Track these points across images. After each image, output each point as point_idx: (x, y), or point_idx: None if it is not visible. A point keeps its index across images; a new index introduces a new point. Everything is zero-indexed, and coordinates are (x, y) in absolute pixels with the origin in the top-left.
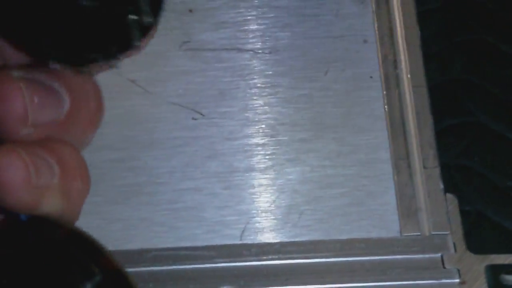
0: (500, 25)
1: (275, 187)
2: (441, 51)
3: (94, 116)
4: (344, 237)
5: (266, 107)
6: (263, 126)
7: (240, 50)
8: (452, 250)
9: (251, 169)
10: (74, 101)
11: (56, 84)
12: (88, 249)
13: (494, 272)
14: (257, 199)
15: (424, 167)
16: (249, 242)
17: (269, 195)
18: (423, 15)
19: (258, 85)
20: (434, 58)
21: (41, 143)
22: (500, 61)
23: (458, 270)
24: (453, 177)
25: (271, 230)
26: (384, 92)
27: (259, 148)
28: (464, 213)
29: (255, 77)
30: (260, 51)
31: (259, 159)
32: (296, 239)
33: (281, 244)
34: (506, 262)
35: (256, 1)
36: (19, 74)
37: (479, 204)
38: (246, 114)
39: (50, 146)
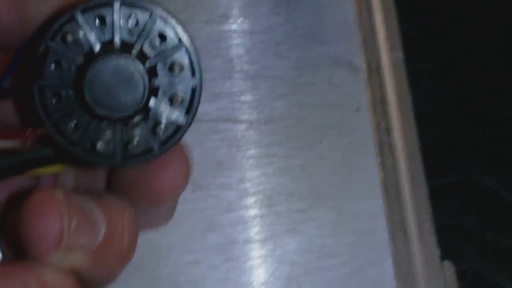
0: (491, 82)
1: (274, 258)
2: (434, 108)
3: (125, 252)
4: None
5: (263, 177)
6: (260, 196)
7: (236, 121)
8: None
9: (250, 240)
10: (109, 232)
11: (97, 211)
12: None
13: None
14: (257, 271)
15: (421, 234)
16: None
17: (268, 266)
18: (415, 74)
19: (255, 155)
20: (427, 115)
21: (90, 193)
22: (492, 117)
23: None
24: (449, 236)
25: None
26: (379, 160)
27: (258, 219)
28: (461, 273)
29: (252, 147)
30: (256, 121)
31: (258, 230)
32: None
33: None
34: None
35: (251, 71)
36: (62, 197)
37: (476, 264)
38: (244, 185)
39: (95, 194)
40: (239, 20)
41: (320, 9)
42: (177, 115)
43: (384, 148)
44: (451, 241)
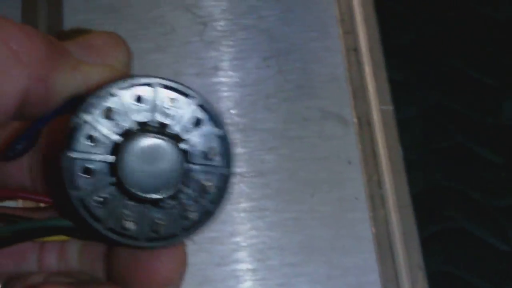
0: (478, 131)
1: None
2: (422, 158)
3: None
4: None
5: (254, 231)
6: (252, 250)
7: None
8: None
9: None
10: None
11: None
12: None
13: None
14: None
15: None
16: None
17: None
18: (403, 123)
19: (246, 209)
20: (416, 165)
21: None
22: (481, 167)
23: None
24: (439, 284)
25: None
26: (370, 214)
27: (250, 273)
28: None
29: (243, 200)
30: (246, 175)
31: (250, 285)
32: None
33: None
34: None
35: (241, 124)
36: None
37: None
38: (235, 239)
39: None
40: (229, 73)
41: (309, 62)
42: (206, 202)
43: (376, 201)
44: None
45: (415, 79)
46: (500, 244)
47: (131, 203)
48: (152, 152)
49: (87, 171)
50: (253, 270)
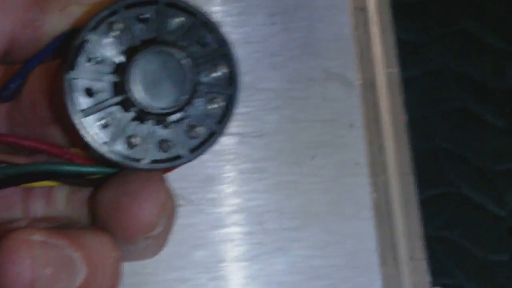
0: (483, 94)
1: (262, 278)
2: (425, 118)
3: None
4: None
5: (253, 193)
6: (250, 213)
7: (227, 133)
8: None
9: (238, 259)
10: (89, 276)
11: (77, 254)
12: None
13: None
14: None
15: (411, 258)
16: None
17: (256, 286)
18: (407, 82)
19: (246, 170)
20: (418, 124)
21: (66, 231)
22: (483, 131)
23: None
24: (434, 249)
25: None
26: (371, 180)
27: (247, 237)
28: (445, 287)
29: (243, 161)
30: (247, 135)
31: (247, 249)
32: None
33: None
34: None
35: (244, 83)
36: (39, 239)
37: (460, 278)
38: (234, 201)
39: (76, 235)
40: (234, 29)
41: (316, 20)
42: (211, 121)
43: (377, 167)
44: (435, 253)
45: (422, 39)
46: (498, 210)
47: (136, 122)
48: (158, 67)
49: (90, 91)
50: (250, 234)
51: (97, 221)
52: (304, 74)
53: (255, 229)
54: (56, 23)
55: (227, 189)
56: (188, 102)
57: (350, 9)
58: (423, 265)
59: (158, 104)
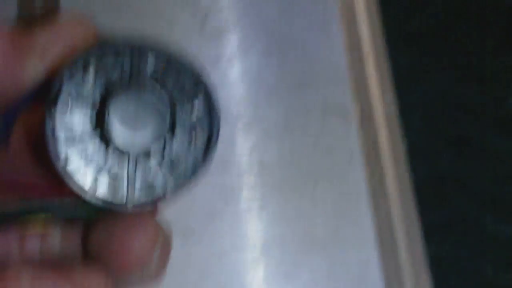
0: (485, 118)
1: None
2: (427, 146)
3: None
4: None
5: (255, 224)
6: (253, 244)
7: (228, 167)
8: None
9: (245, 287)
10: None
11: (67, 287)
12: None
13: None
14: None
15: (417, 284)
16: None
17: None
18: (408, 108)
19: (247, 201)
20: (420, 153)
21: (57, 266)
22: (487, 154)
23: None
24: (445, 271)
25: None
26: (372, 209)
27: (250, 266)
28: None
29: (244, 193)
30: (248, 168)
31: (251, 278)
32: None
33: None
34: None
35: (244, 117)
36: (29, 277)
37: None
38: (236, 231)
39: (67, 270)
40: (229, 68)
41: (311, 55)
42: (193, 158)
43: (378, 196)
44: (446, 276)
45: (420, 66)
46: (506, 229)
47: (119, 164)
48: (136, 109)
49: (70, 138)
50: (253, 263)
51: (90, 256)
52: (301, 108)
53: (258, 259)
54: (34, 70)
55: (229, 220)
56: (169, 140)
57: (345, 42)
58: None
59: (137, 145)
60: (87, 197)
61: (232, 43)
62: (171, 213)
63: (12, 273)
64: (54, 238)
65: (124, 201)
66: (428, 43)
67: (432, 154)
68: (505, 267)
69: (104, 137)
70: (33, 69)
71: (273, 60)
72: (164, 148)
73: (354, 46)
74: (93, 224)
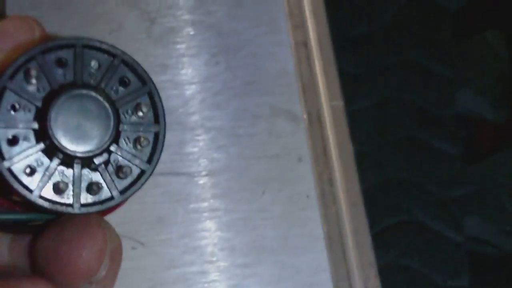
0: (432, 121)
1: None
2: (375, 150)
3: None
4: None
5: (205, 232)
6: (202, 252)
7: (176, 174)
8: None
9: None
10: None
11: None
12: None
13: None
14: None
15: (366, 287)
16: None
17: None
18: (355, 115)
19: (196, 209)
20: (369, 158)
21: (3, 280)
22: (434, 158)
23: None
24: (394, 277)
25: None
26: (322, 212)
27: (200, 275)
28: None
29: (193, 201)
30: (196, 174)
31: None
32: None
33: None
34: None
35: (190, 123)
36: None
37: None
38: (185, 241)
39: (13, 284)
40: (177, 71)
41: (259, 58)
42: (139, 161)
43: (327, 199)
44: (395, 282)
45: (366, 71)
46: (455, 235)
47: (63, 167)
48: (79, 111)
49: (13, 140)
50: (204, 273)
51: (37, 268)
52: (249, 111)
53: (208, 267)
54: None
55: (178, 229)
56: (113, 144)
57: (292, 45)
58: None
59: (81, 147)
60: (33, 198)
61: (179, 46)
62: (120, 222)
63: None
64: (1, 251)
65: (69, 202)
66: (374, 47)
67: (382, 158)
68: (454, 274)
69: (47, 141)
70: None
71: (219, 65)
72: (109, 150)
73: (301, 49)
74: (38, 236)
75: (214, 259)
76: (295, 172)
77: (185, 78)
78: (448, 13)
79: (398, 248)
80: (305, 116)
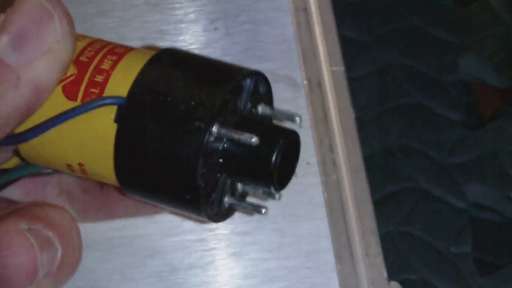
0: (434, 87)
1: (217, 284)
2: (377, 117)
3: (75, 264)
4: None
5: None
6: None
7: None
8: None
9: (192, 266)
10: (64, 251)
11: (51, 233)
12: None
13: None
14: None
15: (367, 255)
16: None
17: None
18: (356, 81)
19: None
20: (370, 124)
21: (38, 214)
22: (436, 124)
23: None
24: (396, 245)
25: None
26: (322, 179)
27: (199, 243)
28: (409, 282)
29: None
30: None
31: (200, 256)
32: None
33: None
34: None
35: None
36: (26, 226)
37: (423, 272)
38: None
39: (44, 214)
40: (175, 37)
41: (258, 23)
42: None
43: (328, 166)
44: (397, 249)
45: (369, 37)
46: (457, 202)
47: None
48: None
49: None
50: (203, 240)
51: None
52: None
53: (207, 235)
54: (15, 100)
55: None
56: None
57: (292, 10)
58: (379, 261)
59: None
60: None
61: (177, 12)
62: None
63: (13, 227)
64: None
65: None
66: (375, 13)
67: (384, 125)
68: (456, 240)
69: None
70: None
71: (218, 33)
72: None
73: (300, 15)
74: None
75: (214, 226)
76: None
77: (183, 44)
78: None
79: (399, 215)
80: (305, 82)
